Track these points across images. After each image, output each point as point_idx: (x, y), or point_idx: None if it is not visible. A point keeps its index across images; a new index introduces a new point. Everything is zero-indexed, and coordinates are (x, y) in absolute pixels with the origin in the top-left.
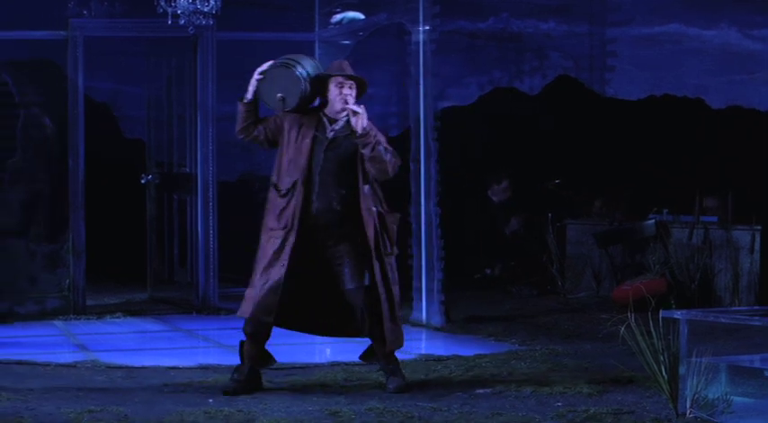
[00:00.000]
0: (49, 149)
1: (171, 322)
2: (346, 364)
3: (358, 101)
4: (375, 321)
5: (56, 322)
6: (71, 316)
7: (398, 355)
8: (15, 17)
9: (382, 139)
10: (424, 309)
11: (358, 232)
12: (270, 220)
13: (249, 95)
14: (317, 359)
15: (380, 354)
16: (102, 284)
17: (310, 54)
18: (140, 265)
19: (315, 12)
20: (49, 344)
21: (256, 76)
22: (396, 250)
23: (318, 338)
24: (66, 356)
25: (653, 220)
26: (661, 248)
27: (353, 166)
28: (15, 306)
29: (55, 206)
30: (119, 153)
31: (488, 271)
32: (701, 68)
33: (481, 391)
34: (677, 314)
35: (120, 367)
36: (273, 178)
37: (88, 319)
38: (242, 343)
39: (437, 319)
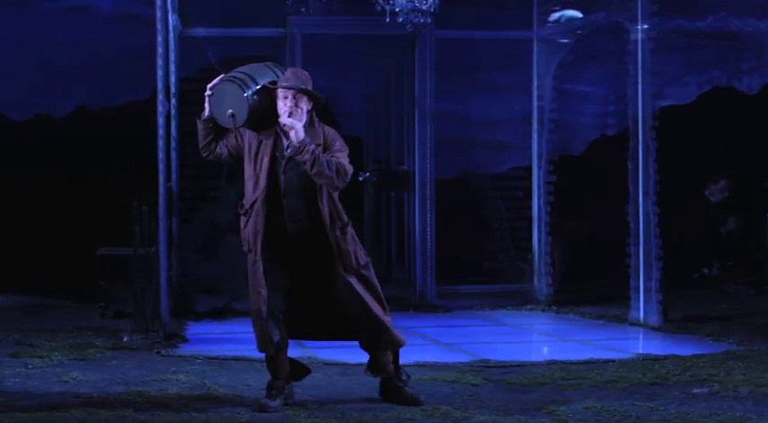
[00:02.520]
0: None
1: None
2: (563, 362)
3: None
4: (368, 330)
5: None
6: None
7: (616, 354)
8: (234, 15)
9: (339, 144)
10: (641, 308)
11: (330, 247)
12: (243, 240)
13: (206, 113)
14: (534, 358)
15: (380, 362)
16: None
17: (528, 52)
18: None
19: (533, 10)
20: None
21: (207, 92)
22: (368, 259)
23: (535, 337)
24: None
25: None
26: None
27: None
28: (232, 302)
29: None
30: None
31: (706, 270)
32: None
33: (698, 390)
34: None
35: (337, 364)
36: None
37: None
38: (266, 358)
39: (654, 319)
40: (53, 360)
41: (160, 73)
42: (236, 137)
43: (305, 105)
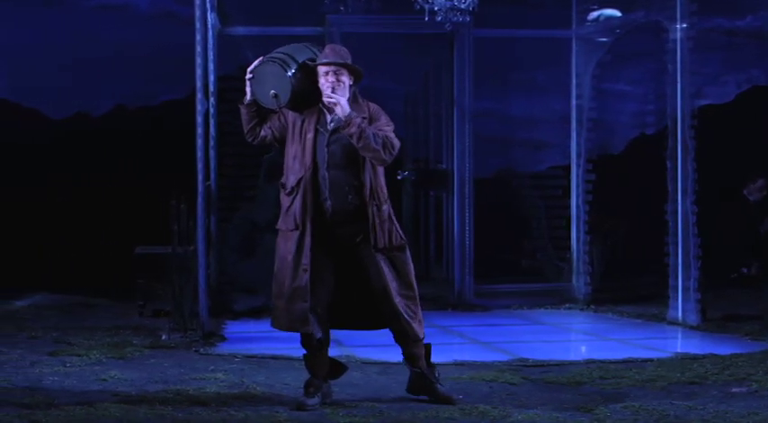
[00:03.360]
0: None
1: (426, 318)
2: (602, 361)
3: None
4: (392, 318)
5: None
6: None
7: (655, 353)
8: (273, 13)
9: (384, 119)
10: (679, 307)
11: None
12: (280, 222)
13: (248, 97)
14: (573, 357)
15: (411, 353)
16: None
17: (567, 51)
18: None
19: (572, 9)
20: None
21: (247, 75)
22: (403, 241)
23: (573, 336)
24: None
25: None
26: None
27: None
28: (271, 301)
29: None
30: None
31: (745, 270)
32: None
33: (737, 390)
34: None
35: (375, 363)
36: (283, 177)
37: None
38: (305, 356)
39: (693, 318)
40: (91, 358)
41: (199, 72)
42: (279, 118)
43: (346, 80)
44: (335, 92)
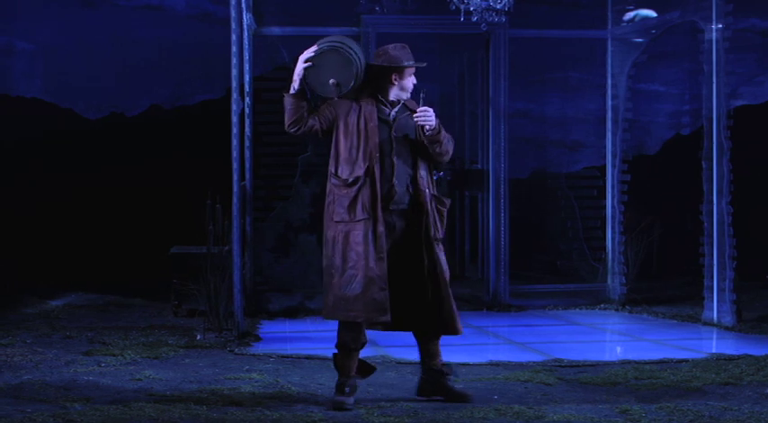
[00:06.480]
0: None
1: (461, 318)
2: (637, 362)
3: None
4: (440, 307)
5: None
6: None
7: (690, 354)
8: (308, 13)
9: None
10: (715, 308)
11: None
12: (338, 213)
13: (296, 86)
14: (608, 357)
15: (433, 351)
16: None
17: (602, 51)
18: None
19: (607, 9)
20: None
21: (303, 64)
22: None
23: (608, 337)
24: None
25: None
26: None
27: (413, 147)
28: (306, 301)
29: None
30: None
31: None
32: None
33: None
34: None
35: (410, 363)
36: (332, 168)
37: None
38: (335, 356)
39: (728, 319)
40: (126, 358)
41: (234, 72)
42: (328, 108)
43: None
44: (407, 91)
